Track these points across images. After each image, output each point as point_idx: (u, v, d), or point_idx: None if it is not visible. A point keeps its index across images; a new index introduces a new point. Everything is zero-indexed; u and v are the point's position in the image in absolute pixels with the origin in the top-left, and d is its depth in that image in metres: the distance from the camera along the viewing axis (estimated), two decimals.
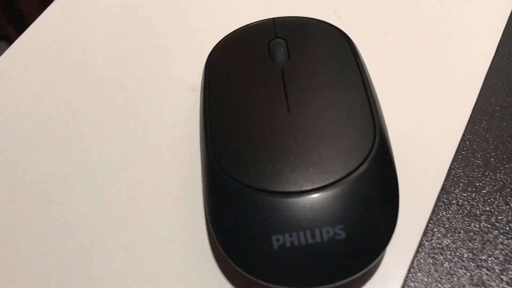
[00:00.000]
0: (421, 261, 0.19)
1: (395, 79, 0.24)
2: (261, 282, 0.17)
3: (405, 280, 0.19)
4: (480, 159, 0.21)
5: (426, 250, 0.19)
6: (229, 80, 0.22)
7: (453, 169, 0.21)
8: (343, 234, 0.17)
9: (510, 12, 0.25)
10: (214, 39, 0.24)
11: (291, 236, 0.17)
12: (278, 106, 0.20)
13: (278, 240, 0.17)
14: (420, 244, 0.20)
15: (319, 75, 0.21)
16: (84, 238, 0.20)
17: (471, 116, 0.22)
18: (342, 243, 0.17)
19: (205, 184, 0.19)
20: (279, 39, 0.22)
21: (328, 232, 0.17)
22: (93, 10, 0.29)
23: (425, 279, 0.19)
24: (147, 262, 0.20)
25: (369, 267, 0.17)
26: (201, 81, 0.23)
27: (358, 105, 0.20)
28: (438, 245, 0.19)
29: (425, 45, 0.25)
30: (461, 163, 0.21)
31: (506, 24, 0.25)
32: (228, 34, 0.24)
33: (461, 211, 0.20)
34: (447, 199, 0.20)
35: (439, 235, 0.20)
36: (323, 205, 0.17)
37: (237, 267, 0.18)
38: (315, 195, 0.18)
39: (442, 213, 0.20)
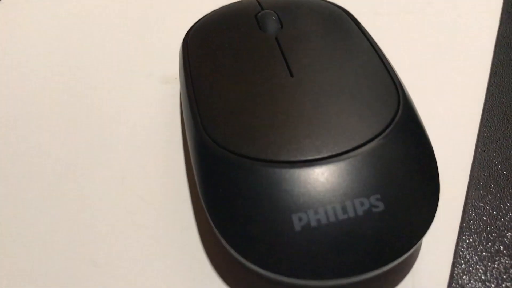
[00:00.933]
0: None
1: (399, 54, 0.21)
2: (284, 279, 0.13)
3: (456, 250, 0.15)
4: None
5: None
6: (215, 52, 0.18)
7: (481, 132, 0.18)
8: (381, 206, 0.14)
9: None
10: (182, 29, 0.21)
11: (316, 212, 0.13)
12: (277, 71, 0.17)
13: (300, 219, 0.13)
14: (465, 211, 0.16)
15: (320, 40, 0.18)
16: (45, 253, 0.16)
17: (488, 85, 0.20)
18: (382, 216, 0.13)
19: (201, 168, 0.15)
20: (267, 10, 0.19)
21: (362, 204, 0.14)
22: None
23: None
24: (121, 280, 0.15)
25: (417, 245, 0.14)
26: (180, 61, 0.19)
27: (372, 65, 0.17)
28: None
29: (425, 20, 0.23)
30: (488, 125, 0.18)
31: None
32: (207, 14, 0.21)
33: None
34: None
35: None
36: (351, 172, 0.14)
37: (250, 264, 0.13)
38: (340, 162, 0.14)
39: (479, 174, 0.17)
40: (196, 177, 0.15)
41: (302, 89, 0.16)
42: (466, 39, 0.22)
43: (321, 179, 0.14)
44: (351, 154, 0.14)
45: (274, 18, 0.19)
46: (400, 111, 0.15)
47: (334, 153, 0.14)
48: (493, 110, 0.19)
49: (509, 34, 0.21)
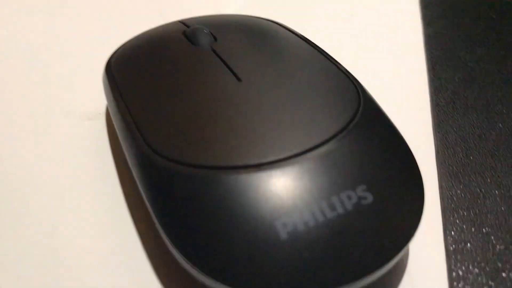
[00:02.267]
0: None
1: None
2: None
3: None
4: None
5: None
6: (147, 72, 0.16)
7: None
8: (369, 197, 0.12)
9: None
10: (97, 61, 0.19)
11: (301, 215, 0.12)
12: (223, 78, 0.15)
13: (284, 225, 0.11)
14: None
15: (261, 46, 0.17)
16: None
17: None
18: (373, 208, 0.12)
19: (157, 190, 0.13)
20: (196, 26, 0.18)
21: (349, 197, 0.12)
22: None
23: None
24: None
25: (415, 234, 0.12)
26: (106, 89, 0.17)
27: (322, 64, 0.16)
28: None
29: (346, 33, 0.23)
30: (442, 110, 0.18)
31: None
32: (128, 40, 0.19)
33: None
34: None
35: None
36: (329, 166, 0.12)
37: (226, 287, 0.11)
38: (315, 156, 0.12)
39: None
40: (150, 205, 0.13)
41: (255, 91, 0.14)
42: (396, 39, 0.22)
43: (297, 178, 0.12)
44: (325, 147, 0.13)
45: (205, 31, 0.17)
46: (362, 102, 0.14)
47: (306, 148, 0.13)
48: (438, 96, 0.19)
49: (434, 31, 0.22)
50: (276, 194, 0.12)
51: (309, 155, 0.12)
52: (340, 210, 0.12)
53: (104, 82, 0.17)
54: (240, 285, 0.11)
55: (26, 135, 0.18)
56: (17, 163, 0.17)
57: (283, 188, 0.12)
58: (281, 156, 0.12)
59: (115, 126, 0.15)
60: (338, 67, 0.16)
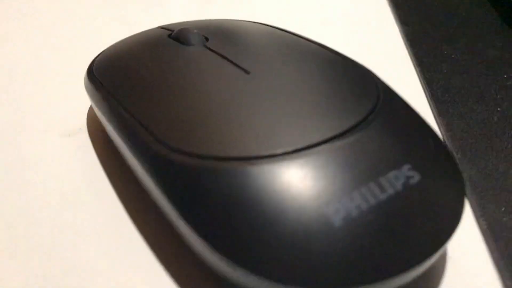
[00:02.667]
0: None
1: None
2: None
3: None
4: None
5: None
6: (139, 73, 0.15)
7: None
8: (416, 175, 0.11)
9: None
10: (69, 76, 0.17)
11: (351, 199, 0.10)
12: (229, 73, 0.14)
13: (337, 212, 0.10)
14: None
15: (260, 42, 0.16)
16: None
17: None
18: (422, 186, 0.11)
19: (186, 190, 0.11)
20: (184, 27, 0.17)
21: (397, 177, 0.11)
22: None
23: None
24: None
25: (464, 210, 0.11)
26: (92, 94, 0.15)
27: (330, 57, 0.15)
28: None
29: None
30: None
31: None
32: (108, 48, 0.17)
33: None
34: None
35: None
36: (371, 146, 0.11)
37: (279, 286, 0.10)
38: (355, 137, 0.12)
39: None
40: (176, 205, 0.11)
41: (271, 82, 0.13)
42: (376, 41, 0.22)
43: (342, 161, 0.11)
44: (362, 129, 0.12)
45: (195, 31, 0.16)
46: (381, 87, 0.14)
47: (345, 130, 0.12)
48: (432, 88, 0.19)
49: (412, 29, 0.22)
50: (323, 179, 0.11)
51: (349, 137, 0.11)
52: (390, 190, 0.11)
53: (88, 87, 0.16)
54: (299, 283, 0.10)
55: (7, 159, 0.16)
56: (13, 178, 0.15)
57: (328, 173, 0.11)
58: (322, 139, 0.11)
59: (113, 130, 0.14)
60: (344, 57, 0.15)
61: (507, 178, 0.15)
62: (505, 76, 0.19)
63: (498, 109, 0.17)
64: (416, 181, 0.11)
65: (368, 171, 0.11)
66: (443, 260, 0.13)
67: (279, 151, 0.11)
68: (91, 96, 0.15)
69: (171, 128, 0.12)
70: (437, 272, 0.12)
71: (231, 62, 0.14)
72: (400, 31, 0.22)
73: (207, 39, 0.16)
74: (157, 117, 0.13)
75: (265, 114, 0.12)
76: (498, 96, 0.18)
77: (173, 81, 0.14)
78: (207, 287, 0.12)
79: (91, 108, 0.18)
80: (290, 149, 0.11)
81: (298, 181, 0.11)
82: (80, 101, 0.18)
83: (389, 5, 0.24)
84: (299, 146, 0.11)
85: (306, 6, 0.24)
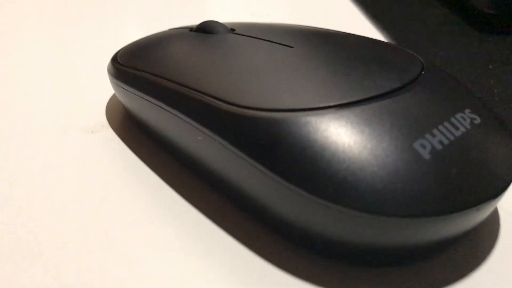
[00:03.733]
0: None
1: None
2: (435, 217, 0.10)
3: None
4: None
5: None
6: (174, 57, 0.15)
7: None
8: (477, 118, 0.12)
9: None
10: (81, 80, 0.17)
11: (433, 135, 0.11)
12: (273, 48, 0.14)
13: (423, 146, 0.11)
14: None
15: (289, 28, 0.17)
16: None
17: None
18: (485, 126, 0.12)
19: (269, 148, 0.11)
20: (205, 21, 0.17)
21: (464, 118, 0.12)
22: None
23: None
24: None
25: None
26: (121, 77, 0.15)
27: (357, 37, 0.16)
28: None
29: None
30: None
31: None
32: (130, 43, 0.17)
33: None
34: None
35: None
36: (437, 93, 0.12)
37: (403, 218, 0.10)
38: (423, 84, 0.12)
39: None
40: (267, 163, 0.11)
41: (323, 48, 0.14)
42: None
43: (417, 104, 0.12)
44: (424, 79, 0.13)
45: (220, 22, 0.17)
46: (422, 58, 0.15)
47: (411, 79, 0.12)
48: None
49: (383, 24, 0.23)
50: (403, 119, 0.11)
51: (418, 86, 0.12)
52: (462, 128, 0.11)
53: (114, 73, 0.15)
54: (398, 213, 0.10)
55: (31, 159, 0.15)
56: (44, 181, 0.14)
57: (407, 114, 0.11)
58: (399, 85, 0.12)
59: (156, 108, 0.14)
60: (370, 38, 0.16)
61: None
62: None
63: (491, 81, 0.19)
64: (478, 122, 0.12)
65: (439, 113, 0.12)
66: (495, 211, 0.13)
67: (366, 95, 0.11)
68: (120, 80, 0.15)
69: (234, 90, 0.12)
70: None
71: (271, 41, 0.15)
72: (371, 24, 0.24)
73: (233, 30, 0.16)
74: (214, 83, 0.13)
75: (339, 67, 0.13)
76: (485, 81, 0.20)
77: (218, 55, 0.14)
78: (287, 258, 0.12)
79: (110, 105, 0.17)
80: (375, 93, 0.12)
81: (389, 120, 0.11)
82: (98, 99, 0.17)
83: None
84: (380, 91, 0.12)
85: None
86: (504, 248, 0.12)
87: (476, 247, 0.12)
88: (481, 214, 0.11)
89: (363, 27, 0.23)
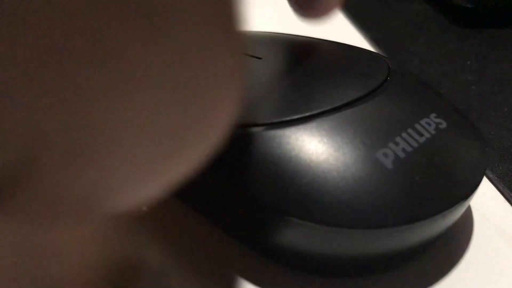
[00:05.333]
0: None
1: None
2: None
3: None
4: None
5: None
6: None
7: None
8: (443, 122, 0.12)
9: None
10: None
11: (396, 143, 0.11)
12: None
13: (386, 155, 0.11)
14: None
15: (266, 39, 0.17)
16: None
17: None
18: (451, 131, 0.12)
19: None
20: None
21: (429, 124, 0.12)
22: None
23: None
24: None
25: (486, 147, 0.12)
26: None
27: (330, 44, 0.16)
28: None
29: None
30: None
31: None
32: None
33: None
34: None
35: None
36: (402, 98, 0.12)
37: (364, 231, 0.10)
38: (385, 93, 0.12)
39: None
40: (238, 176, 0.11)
41: (290, 58, 0.14)
42: None
43: (380, 112, 0.12)
44: (390, 86, 0.13)
45: None
46: (389, 62, 0.15)
47: (376, 86, 0.12)
48: None
49: (375, 36, 0.24)
50: (366, 129, 0.11)
51: (381, 94, 0.12)
52: (427, 134, 0.11)
53: None
54: (362, 225, 0.10)
55: None
56: None
57: (371, 123, 0.11)
58: (363, 93, 0.12)
59: None
60: (337, 43, 0.16)
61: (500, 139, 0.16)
62: None
63: (473, 87, 0.19)
64: (444, 126, 0.12)
65: (403, 120, 0.12)
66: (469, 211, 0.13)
67: (328, 106, 0.11)
68: None
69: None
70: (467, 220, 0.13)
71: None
72: (364, 36, 0.24)
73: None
74: None
75: (302, 82, 0.13)
76: (469, 78, 0.20)
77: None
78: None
79: None
80: (338, 103, 0.12)
81: (350, 130, 0.11)
82: None
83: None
84: (344, 102, 0.12)
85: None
86: (477, 249, 0.12)
87: (449, 250, 0.12)
88: (448, 220, 0.11)
89: (341, 23, 0.23)
